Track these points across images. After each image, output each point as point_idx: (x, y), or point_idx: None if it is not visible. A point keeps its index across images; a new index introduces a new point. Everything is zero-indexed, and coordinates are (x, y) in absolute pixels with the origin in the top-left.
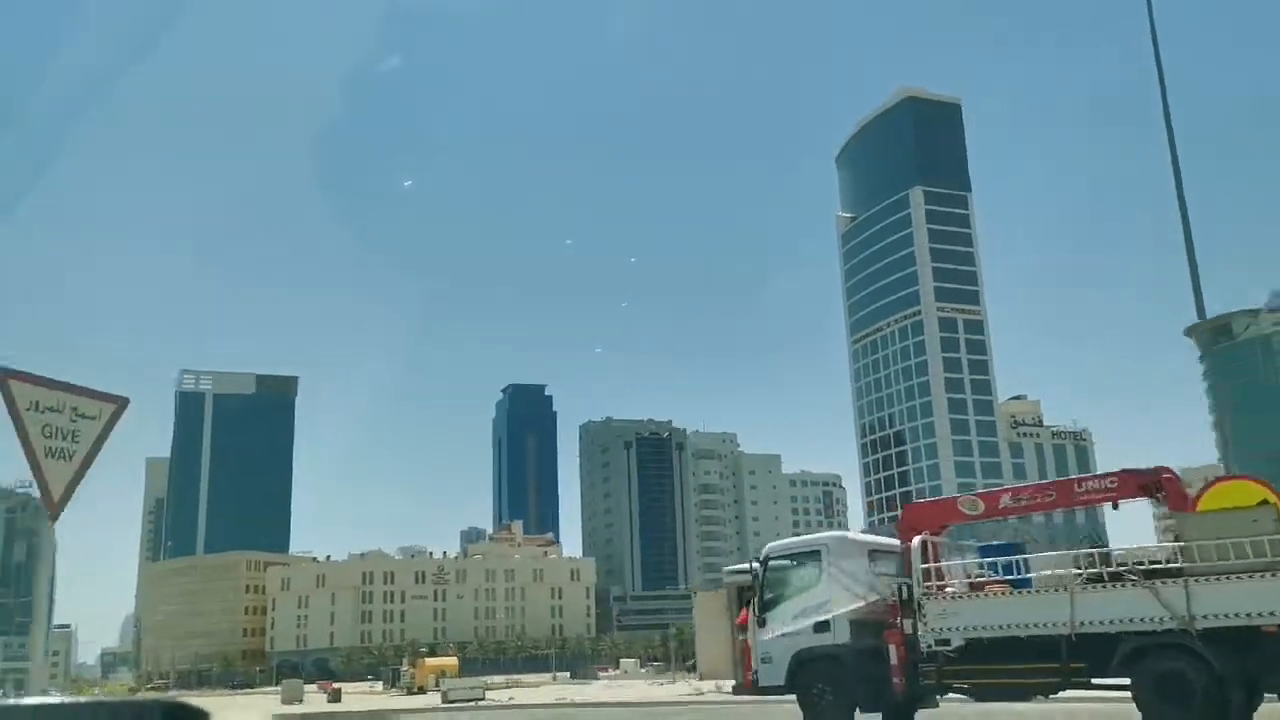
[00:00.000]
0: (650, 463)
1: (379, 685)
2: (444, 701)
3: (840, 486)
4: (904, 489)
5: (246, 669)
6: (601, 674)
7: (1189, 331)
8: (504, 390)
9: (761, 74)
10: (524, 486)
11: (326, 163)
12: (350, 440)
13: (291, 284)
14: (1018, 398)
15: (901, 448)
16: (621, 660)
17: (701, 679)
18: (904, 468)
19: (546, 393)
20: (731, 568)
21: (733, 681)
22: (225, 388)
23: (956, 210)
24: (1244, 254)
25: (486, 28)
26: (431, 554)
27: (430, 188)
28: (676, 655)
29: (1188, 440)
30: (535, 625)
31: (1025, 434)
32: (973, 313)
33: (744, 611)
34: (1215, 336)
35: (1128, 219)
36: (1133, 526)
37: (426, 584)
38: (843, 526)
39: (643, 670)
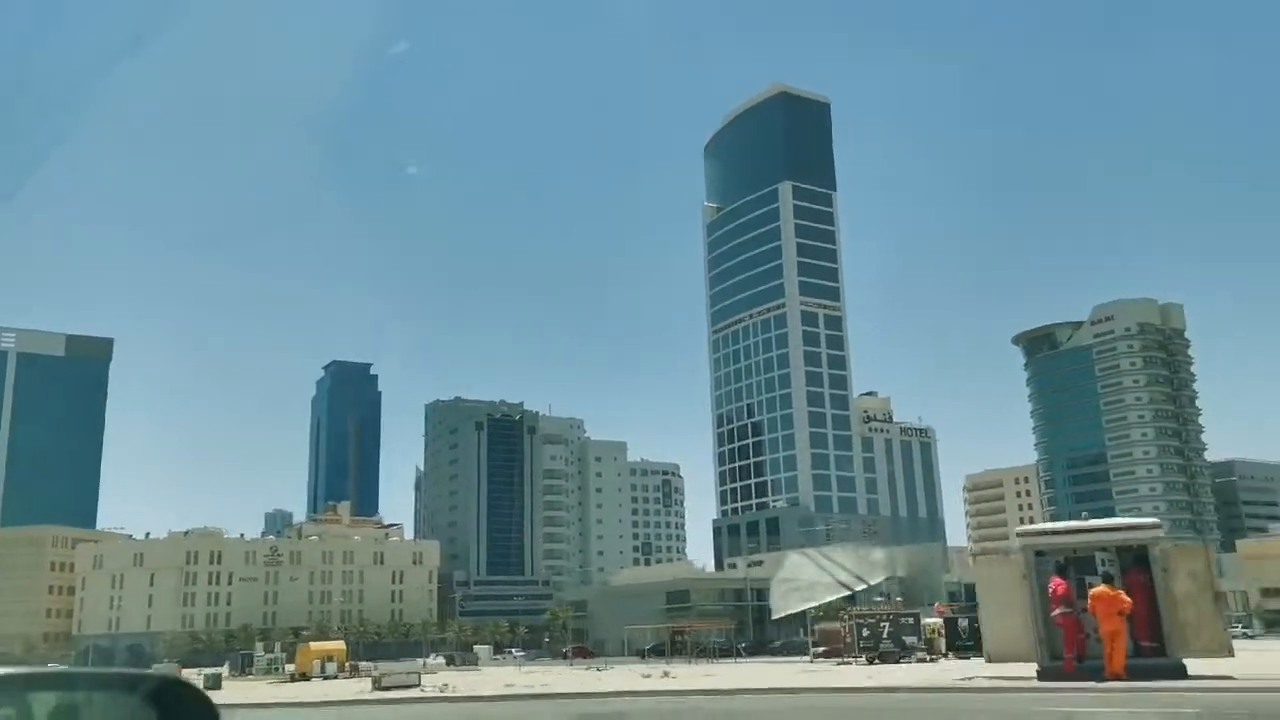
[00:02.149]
0: (500, 445)
1: (225, 671)
2: (377, 688)
3: (678, 476)
4: (759, 479)
5: (47, 653)
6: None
7: (1016, 339)
8: (325, 368)
9: (636, 63)
10: (344, 468)
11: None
12: (166, 413)
13: (112, 247)
14: (870, 394)
15: (759, 438)
16: (475, 647)
17: (990, 660)
18: (760, 458)
19: (372, 372)
20: (1032, 527)
21: (1034, 665)
22: (31, 346)
23: (822, 207)
24: (1079, 266)
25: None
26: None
27: (268, 154)
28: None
29: (1021, 440)
30: (374, 610)
31: (876, 429)
32: (833, 308)
33: (1055, 580)
34: (1039, 345)
35: (978, 224)
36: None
37: (257, 565)
38: (679, 516)
39: (518, 656)
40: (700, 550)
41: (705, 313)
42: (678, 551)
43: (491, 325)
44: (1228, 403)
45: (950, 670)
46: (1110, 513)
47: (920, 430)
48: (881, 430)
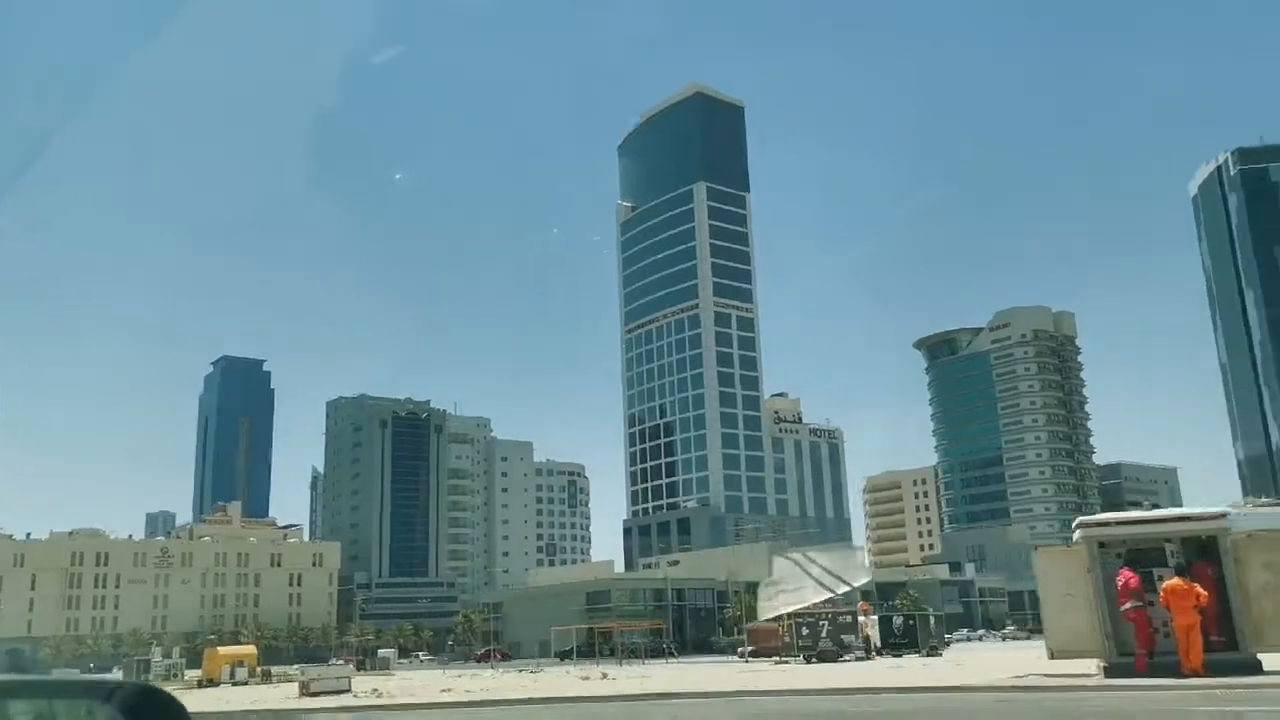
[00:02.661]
0: (406, 444)
1: (119, 677)
2: (305, 694)
3: (584, 476)
4: (670, 479)
5: None
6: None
7: (918, 344)
8: (215, 363)
9: (552, 60)
10: (233, 468)
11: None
12: (43, 408)
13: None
14: (780, 395)
15: (670, 438)
16: (380, 651)
17: (1053, 656)
18: (671, 458)
19: (265, 368)
20: (1093, 518)
21: (1093, 661)
22: None
23: (736, 209)
24: (983, 272)
25: None
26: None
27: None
28: (459, 641)
29: (924, 443)
30: (271, 614)
31: (786, 430)
32: (746, 310)
33: (1124, 573)
34: (940, 350)
35: (887, 229)
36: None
37: (146, 567)
38: (585, 517)
39: (425, 659)
40: (604, 551)
41: (618, 312)
42: (582, 553)
43: (397, 322)
44: (1114, 408)
45: (968, 666)
46: (1004, 514)
47: (829, 432)
48: (792, 431)
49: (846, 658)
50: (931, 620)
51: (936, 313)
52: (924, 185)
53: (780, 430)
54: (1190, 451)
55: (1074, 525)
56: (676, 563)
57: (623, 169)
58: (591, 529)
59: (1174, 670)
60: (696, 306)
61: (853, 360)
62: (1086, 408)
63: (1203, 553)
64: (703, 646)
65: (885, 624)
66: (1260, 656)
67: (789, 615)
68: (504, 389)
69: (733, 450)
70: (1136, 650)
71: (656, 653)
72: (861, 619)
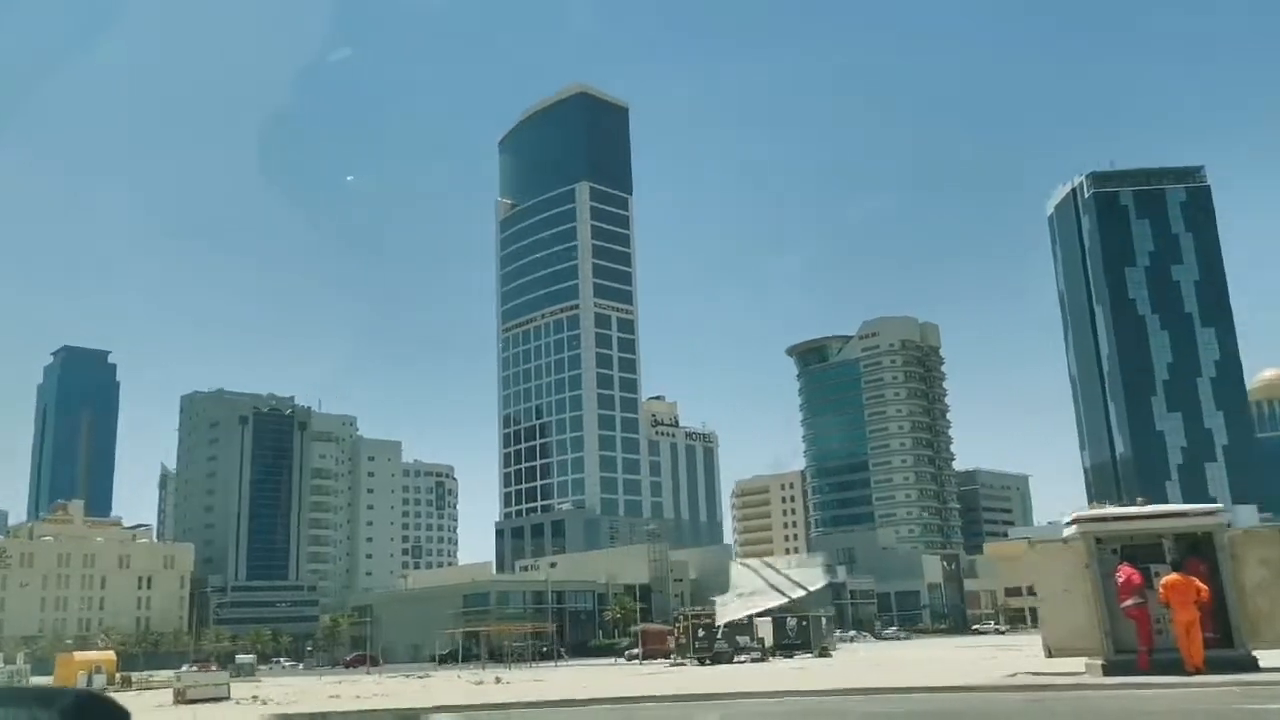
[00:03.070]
0: (268, 442)
1: None
2: (180, 701)
3: (453, 478)
4: (545, 481)
5: None
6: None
7: (790, 351)
8: (55, 354)
9: (435, 54)
10: (73, 463)
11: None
12: None
13: None
14: (657, 398)
15: (546, 440)
16: (238, 657)
17: (1051, 654)
18: (547, 460)
19: (110, 360)
20: (1089, 513)
21: (1098, 660)
22: None
23: (618, 210)
24: (854, 280)
25: None
26: None
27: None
28: (319, 647)
29: (794, 448)
30: (118, 618)
31: (663, 433)
32: (626, 311)
33: (1124, 569)
34: (811, 357)
35: (766, 234)
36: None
37: None
38: (452, 519)
39: (288, 665)
40: (472, 554)
41: (495, 311)
42: (449, 555)
43: (259, 315)
44: (972, 417)
45: (924, 666)
46: (869, 518)
47: (704, 435)
48: (668, 434)
49: (741, 659)
50: (823, 622)
51: (810, 320)
52: (802, 194)
53: (657, 433)
54: (1041, 460)
55: (1067, 520)
56: (554, 565)
57: (503, 165)
58: (459, 531)
59: (1175, 668)
60: (577, 307)
61: (729, 365)
62: (948, 416)
63: (1193, 549)
64: (582, 650)
65: (779, 625)
66: (1256, 653)
67: (687, 616)
68: (374, 387)
69: (609, 452)
70: (1138, 647)
71: (537, 656)
72: (757, 620)
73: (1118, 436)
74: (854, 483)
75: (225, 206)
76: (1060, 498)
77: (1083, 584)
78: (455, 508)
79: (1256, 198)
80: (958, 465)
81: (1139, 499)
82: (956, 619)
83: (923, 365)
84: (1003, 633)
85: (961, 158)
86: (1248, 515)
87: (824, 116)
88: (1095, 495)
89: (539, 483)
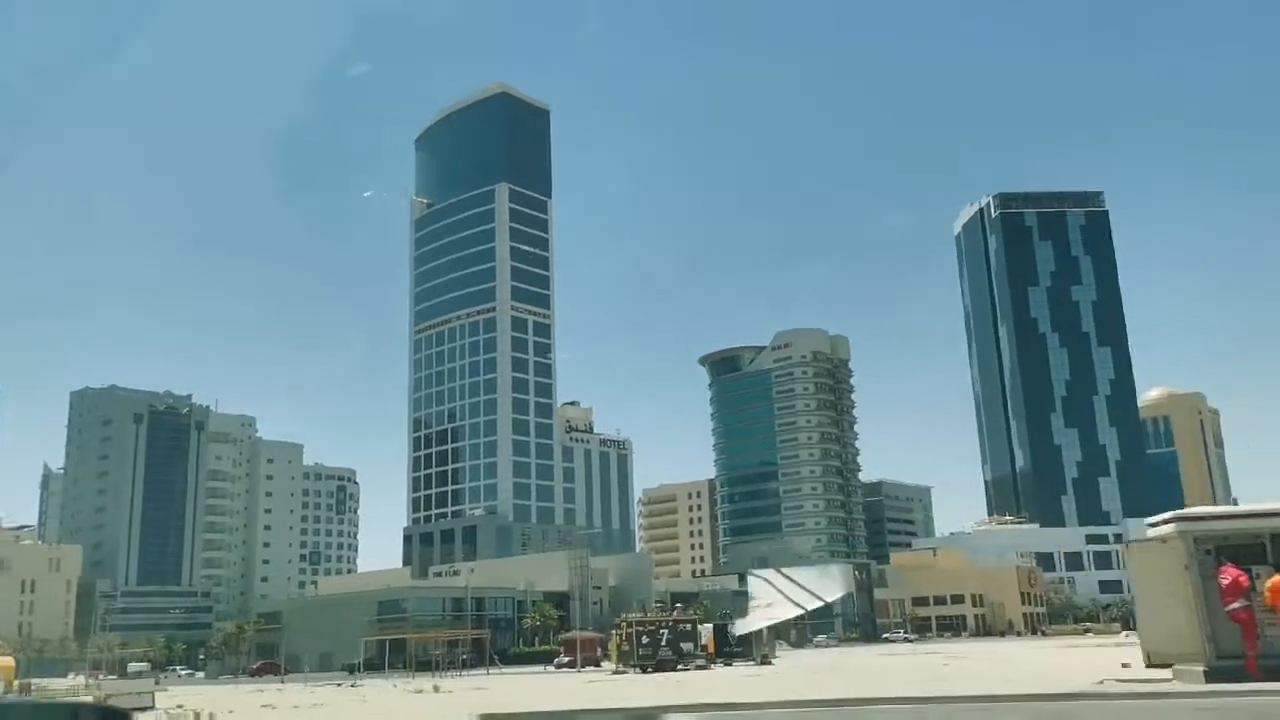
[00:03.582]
0: (162, 441)
1: None
2: None
3: (354, 482)
4: (456, 486)
5: None
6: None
7: (702, 360)
8: None
9: (348, 46)
10: None
11: None
12: None
13: None
14: (572, 403)
15: (458, 444)
16: (131, 665)
17: (1150, 661)
18: (459, 464)
19: None
20: (1187, 511)
21: (1198, 667)
22: None
23: (538, 214)
24: (769, 292)
25: None
26: None
27: None
28: (212, 655)
29: (706, 456)
30: None
31: (577, 439)
32: (543, 315)
33: (1229, 570)
34: (724, 366)
35: (686, 243)
36: None
37: None
38: (353, 525)
39: (184, 674)
40: (373, 561)
41: (408, 311)
42: (349, 562)
43: (155, 309)
44: (878, 429)
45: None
46: (777, 528)
47: (619, 442)
48: (582, 441)
49: (684, 666)
50: (764, 630)
51: (724, 329)
52: (720, 204)
53: (571, 439)
54: (943, 472)
55: (1156, 521)
56: (467, 570)
57: (419, 163)
58: (360, 537)
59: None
60: (493, 309)
61: (644, 372)
62: (855, 428)
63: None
64: (503, 658)
65: (720, 632)
66: None
67: (630, 622)
68: (276, 388)
69: (523, 458)
70: (1247, 652)
71: (460, 664)
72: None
73: (1018, 450)
74: (763, 492)
75: (120, 199)
76: (961, 509)
77: (1183, 586)
78: (356, 513)
79: (1151, 222)
80: (864, 476)
81: (1234, 499)
82: (867, 628)
83: (833, 377)
84: (911, 641)
85: (877, 171)
86: (1137, 529)
87: (742, 127)
88: (995, 508)
89: (450, 487)
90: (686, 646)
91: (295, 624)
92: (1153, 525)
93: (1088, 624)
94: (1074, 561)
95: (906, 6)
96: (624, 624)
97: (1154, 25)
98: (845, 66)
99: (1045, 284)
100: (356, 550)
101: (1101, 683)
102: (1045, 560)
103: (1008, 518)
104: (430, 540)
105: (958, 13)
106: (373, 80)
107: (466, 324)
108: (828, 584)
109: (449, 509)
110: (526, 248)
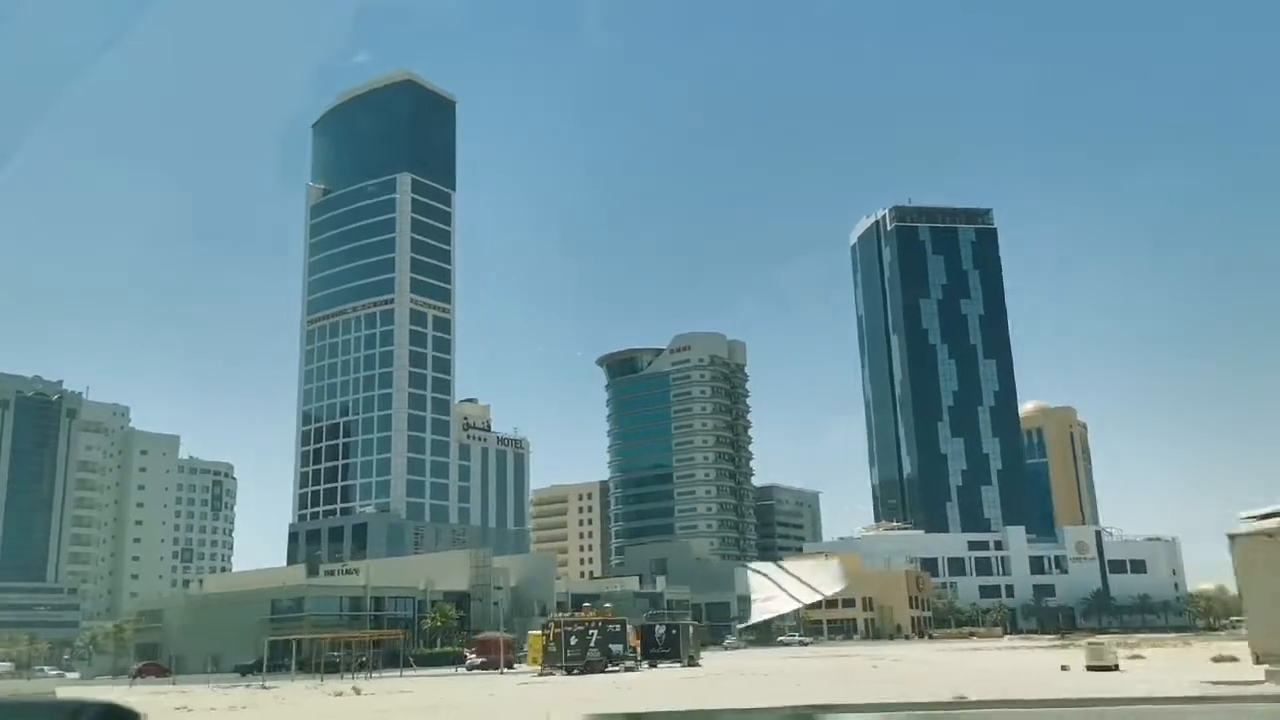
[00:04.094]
0: (29, 429)
1: None
2: None
3: (232, 477)
4: (346, 483)
5: None
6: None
7: (600, 361)
8: None
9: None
10: None
11: None
12: None
13: None
14: (470, 400)
15: (350, 439)
16: None
17: (1259, 660)
18: (350, 460)
19: None
20: None
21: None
22: None
23: (441, 205)
24: (669, 293)
25: None
26: None
27: None
28: (78, 656)
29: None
30: None
31: (475, 437)
32: (444, 310)
33: None
34: (622, 368)
35: (590, 243)
36: None
37: None
38: (229, 521)
39: (52, 674)
40: (251, 559)
41: (301, 301)
42: (224, 560)
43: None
44: (771, 433)
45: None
46: (669, 529)
47: (516, 441)
48: (480, 439)
49: (614, 668)
50: (690, 630)
51: (624, 331)
52: (624, 206)
53: (469, 437)
54: (832, 477)
55: (1258, 515)
56: (356, 571)
57: (317, 149)
58: (237, 534)
59: None
60: (392, 302)
61: (542, 371)
62: (750, 432)
63: None
64: (396, 659)
65: (648, 633)
66: None
67: (558, 623)
68: (154, 377)
69: (418, 455)
70: None
71: (350, 667)
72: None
73: (906, 458)
74: (657, 494)
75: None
76: (849, 515)
77: None
78: (233, 509)
79: (1036, 240)
80: (756, 480)
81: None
82: (762, 630)
83: (729, 381)
84: (806, 644)
85: (778, 179)
86: (1016, 536)
87: (647, 131)
88: (882, 514)
89: (340, 484)
90: (616, 648)
91: (179, 623)
92: (1254, 519)
93: (971, 628)
94: (956, 567)
95: (809, 17)
96: (552, 624)
97: (1048, 48)
98: (750, 74)
99: (937, 296)
100: (232, 548)
101: (1216, 684)
102: (929, 565)
103: (895, 523)
104: (317, 538)
105: (862, 26)
106: (269, 59)
107: (363, 316)
108: (824, 578)
109: (338, 506)
110: (428, 240)
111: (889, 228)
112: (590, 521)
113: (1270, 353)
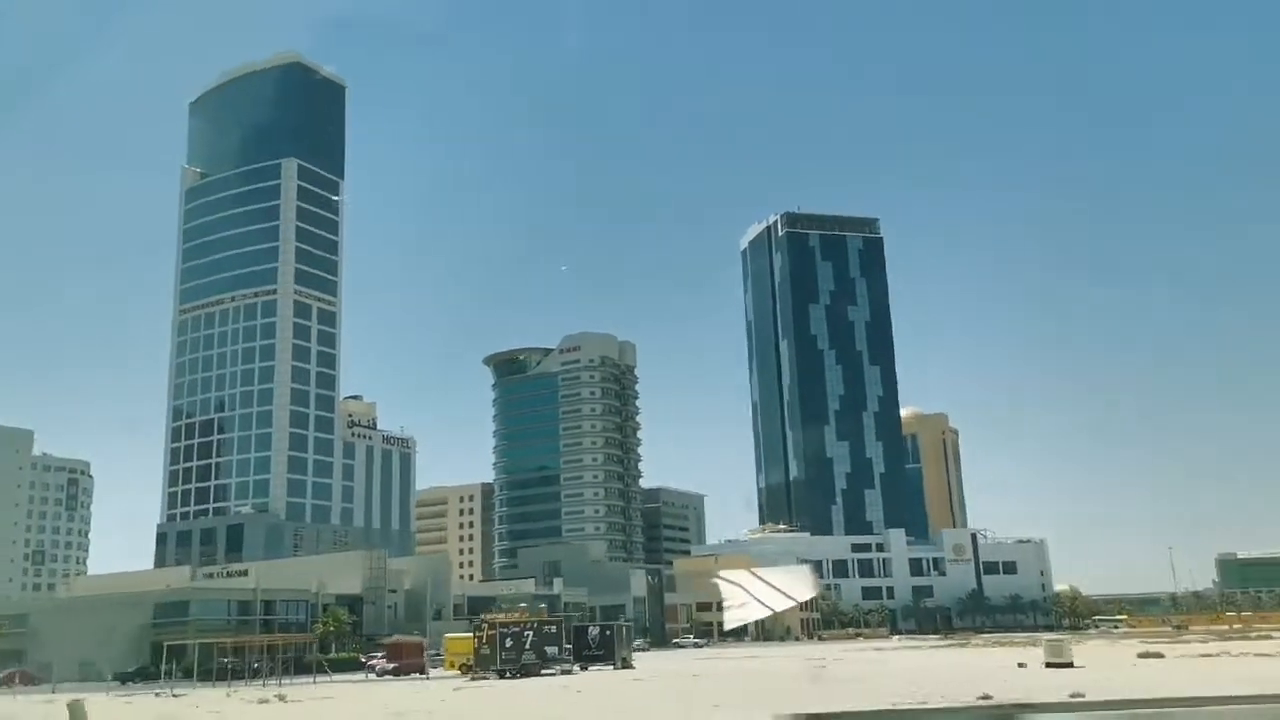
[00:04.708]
0: None
1: None
2: None
3: (88, 475)
4: (220, 481)
5: None
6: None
7: (487, 360)
8: None
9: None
10: None
11: None
12: None
13: None
14: (355, 397)
15: (225, 435)
16: None
17: None
18: (224, 458)
19: None
20: None
21: None
22: None
23: (329, 194)
24: (558, 294)
25: None
26: None
27: None
28: None
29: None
30: None
31: (359, 435)
32: (329, 303)
33: None
34: (509, 367)
35: (481, 240)
36: None
37: None
38: (85, 522)
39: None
40: (110, 562)
41: (173, 289)
42: (79, 562)
43: None
44: (659, 435)
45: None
46: (556, 531)
47: (402, 440)
48: (365, 437)
49: (549, 671)
50: (625, 632)
51: (513, 331)
52: (516, 204)
53: (353, 435)
54: (717, 480)
55: None
56: (245, 573)
57: (193, 130)
58: (95, 535)
59: None
60: (274, 292)
61: (429, 369)
62: (639, 434)
63: None
64: (299, 666)
65: (580, 635)
66: None
67: (489, 624)
68: (6, 369)
69: (300, 453)
70: None
71: (240, 674)
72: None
73: (792, 461)
74: (543, 496)
75: None
76: (734, 517)
77: None
78: (89, 509)
79: (919, 249)
80: (644, 483)
81: None
82: (657, 633)
83: (619, 383)
84: (701, 646)
85: (671, 183)
86: (897, 539)
87: (544, 129)
88: (768, 517)
89: (213, 483)
90: (551, 650)
91: (45, 628)
92: None
93: (857, 629)
94: (840, 569)
95: (709, 26)
96: (485, 625)
97: (932, 66)
98: (654, 78)
99: (825, 302)
100: (88, 550)
101: None
102: (814, 567)
103: (781, 526)
104: (188, 539)
105: (761, 37)
106: (144, 33)
107: (242, 306)
108: (797, 584)
109: (210, 506)
110: (314, 229)
111: (780, 234)
112: (471, 524)
113: (1118, 361)
